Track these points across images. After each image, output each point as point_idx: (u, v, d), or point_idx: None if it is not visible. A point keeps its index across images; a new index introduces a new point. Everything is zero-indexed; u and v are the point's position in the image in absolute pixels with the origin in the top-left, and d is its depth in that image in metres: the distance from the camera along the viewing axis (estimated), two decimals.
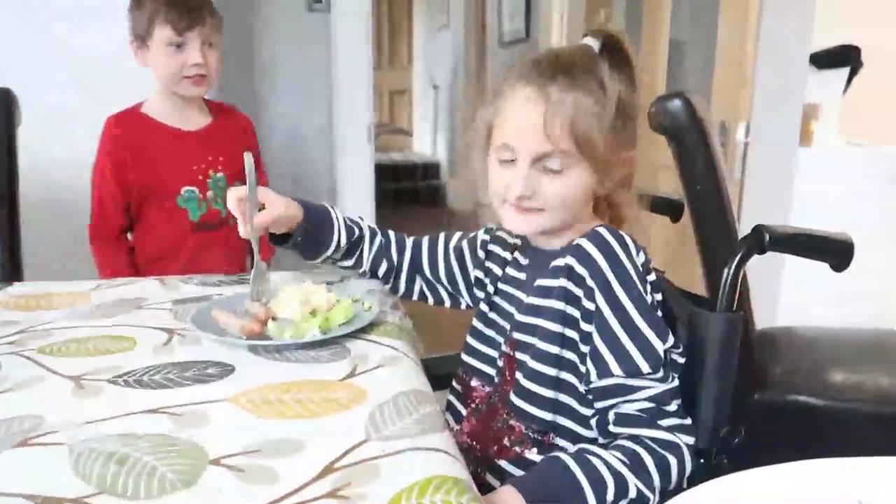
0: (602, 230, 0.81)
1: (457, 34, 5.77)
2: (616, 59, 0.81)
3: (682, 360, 0.83)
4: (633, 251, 0.81)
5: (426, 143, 7.26)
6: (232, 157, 1.50)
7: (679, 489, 0.77)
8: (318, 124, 2.71)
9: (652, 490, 0.74)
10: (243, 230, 0.96)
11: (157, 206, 1.48)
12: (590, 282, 0.79)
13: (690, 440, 0.78)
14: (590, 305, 0.79)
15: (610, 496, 0.72)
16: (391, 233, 1.08)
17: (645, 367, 0.77)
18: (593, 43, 0.82)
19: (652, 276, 0.83)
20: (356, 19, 2.44)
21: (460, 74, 5.66)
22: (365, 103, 2.49)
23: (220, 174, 1.49)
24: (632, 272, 0.79)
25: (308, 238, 1.00)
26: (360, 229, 1.05)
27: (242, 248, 1.51)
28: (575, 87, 0.79)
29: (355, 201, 2.39)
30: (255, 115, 2.17)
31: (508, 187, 0.82)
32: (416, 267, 1.05)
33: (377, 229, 1.07)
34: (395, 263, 1.05)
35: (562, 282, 0.81)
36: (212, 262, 1.48)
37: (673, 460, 0.76)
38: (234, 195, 0.95)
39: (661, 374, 0.78)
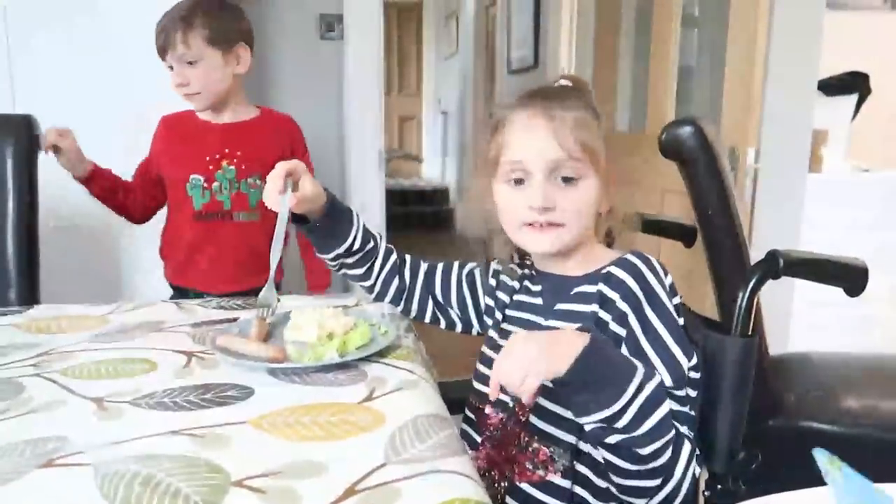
0: (630, 257, 0.83)
1: (465, 61, 5.84)
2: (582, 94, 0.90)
3: (698, 379, 0.84)
4: (661, 273, 0.83)
5: (435, 168, 7.31)
6: (253, 153, 1.50)
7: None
8: (330, 150, 2.73)
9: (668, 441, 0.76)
10: (271, 199, 0.95)
11: (172, 194, 1.55)
12: (621, 304, 0.80)
13: (696, 469, 0.79)
14: (620, 330, 0.81)
15: (652, 385, 0.75)
16: (407, 256, 1.09)
17: (668, 380, 0.79)
18: (565, 82, 0.92)
19: (677, 299, 0.84)
20: (368, 47, 2.49)
21: (469, 101, 5.72)
22: (375, 129, 2.53)
23: (231, 167, 1.50)
24: (661, 293, 0.81)
25: (325, 225, 1.01)
26: (377, 242, 1.06)
27: (248, 245, 1.51)
28: (572, 105, 0.86)
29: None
30: None
31: (526, 206, 0.84)
32: (428, 289, 1.06)
33: (394, 249, 1.08)
34: (408, 284, 1.06)
35: (593, 307, 0.82)
36: (211, 252, 1.52)
37: (685, 446, 0.78)
38: (283, 168, 0.94)
39: (682, 392, 0.80)
